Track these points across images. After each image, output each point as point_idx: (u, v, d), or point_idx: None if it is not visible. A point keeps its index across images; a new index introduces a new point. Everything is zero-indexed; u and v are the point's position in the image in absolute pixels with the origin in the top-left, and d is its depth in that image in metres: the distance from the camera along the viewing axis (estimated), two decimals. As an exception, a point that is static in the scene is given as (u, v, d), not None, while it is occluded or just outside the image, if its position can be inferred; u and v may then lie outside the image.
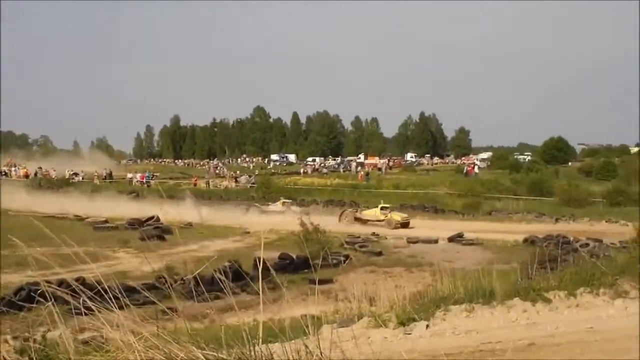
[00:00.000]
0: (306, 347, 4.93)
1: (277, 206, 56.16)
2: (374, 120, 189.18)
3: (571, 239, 35.32)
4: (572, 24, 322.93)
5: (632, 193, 62.71)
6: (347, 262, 30.46)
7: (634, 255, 13.37)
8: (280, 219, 44.97)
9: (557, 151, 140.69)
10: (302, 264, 28.16)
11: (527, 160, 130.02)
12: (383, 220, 48.18)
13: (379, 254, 35.56)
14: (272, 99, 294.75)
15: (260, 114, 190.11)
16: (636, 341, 9.10)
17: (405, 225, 47.09)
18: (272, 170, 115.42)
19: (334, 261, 28.05)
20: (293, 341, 5.37)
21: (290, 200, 59.41)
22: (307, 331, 5.45)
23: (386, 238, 41.98)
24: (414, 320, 10.29)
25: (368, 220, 48.75)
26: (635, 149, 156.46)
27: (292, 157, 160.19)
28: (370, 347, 8.46)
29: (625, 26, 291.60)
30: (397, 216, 48.82)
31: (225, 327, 4.75)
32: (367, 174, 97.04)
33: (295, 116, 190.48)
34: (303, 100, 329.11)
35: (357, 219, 49.57)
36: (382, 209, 50.05)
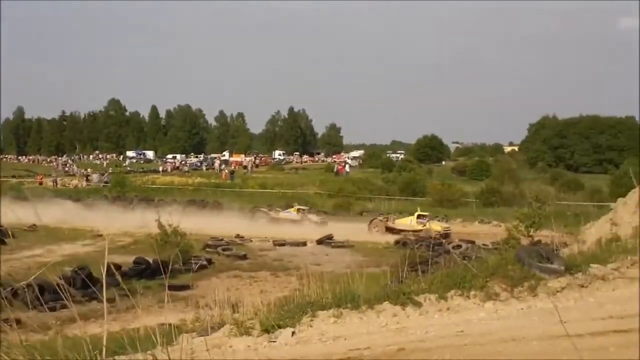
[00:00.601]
0: (155, 359, 4.96)
1: (291, 213, 54.13)
2: (240, 115, 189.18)
3: (443, 240, 36.81)
4: (449, 24, 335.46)
5: (505, 193, 65.97)
6: (209, 266, 30.47)
7: (505, 257, 14.16)
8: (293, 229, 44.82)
9: (430, 150, 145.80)
10: (159, 268, 27.86)
11: (400, 158, 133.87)
12: (420, 231, 45.32)
13: (244, 257, 35.84)
14: (128, 91, 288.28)
15: (116, 107, 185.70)
16: (506, 345, 9.74)
17: (446, 236, 43.88)
18: (128, 168, 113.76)
19: (195, 266, 27.97)
20: (141, 353, 5.39)
21: (307, 207, 57.52)
22: (156, 341, 5.48)
23: (251, 241, 42.23)
24: (279, 327, 10.51)
25: (402, 231, 46.78)
26: (509, 148, 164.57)
27: (150, 154, 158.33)
28: (231, 356, 8.59)
29: (498, 28, 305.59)
30: (437, 226, 47.08)
31: (65, 339, 4.72)
32: (232, 172, 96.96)
33: (154, 110, 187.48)
34: (163, 93, 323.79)
35: (388, 229, 47.90)
36: (418, 217, 48.26)
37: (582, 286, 13.37)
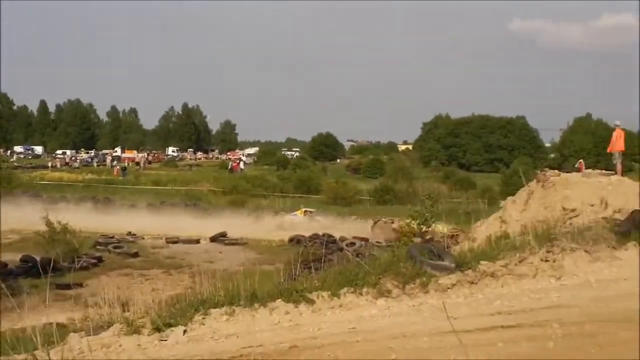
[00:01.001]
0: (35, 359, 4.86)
1: (297, 216, 51.99)
2: (133, 110, 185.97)
3: (337, 237, 37.19)
4: (343, 22, 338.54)
5: (399, 191, 67.19)
6: (99, 264, 29.90)
7: (397, 254, 14.44)
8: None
9: (325, 147, 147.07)
10: (47, 267, 27.16)
11: (295, 156, 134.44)
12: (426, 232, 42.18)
13: (135, 255, 35.33)
14: (16, 85, 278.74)
15: (2, 100, 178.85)
16: (397, 341, 9.94)
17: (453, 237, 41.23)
18: (15, 164, 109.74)
19: (85, 263, 27.36)
20: (23, 354, 5.27)
21: (314, 210, 55.24)
22: (36, 342, 5.37)
23: (143, 238, 41.60)
24: (171, 325, 10.42)
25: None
26: (403, 147, 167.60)
27: (38, 150, 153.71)
28: (120, 355, 8.47)
29: (395, 27, 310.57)
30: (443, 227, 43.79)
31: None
32: (124, 168, 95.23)
33: (43, 104, 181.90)
34: (53, 87, 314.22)
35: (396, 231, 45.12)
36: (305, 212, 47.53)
37: (472, 283, 13.77)
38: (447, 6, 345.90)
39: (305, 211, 53.45)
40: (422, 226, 18.35)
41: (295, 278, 13.81)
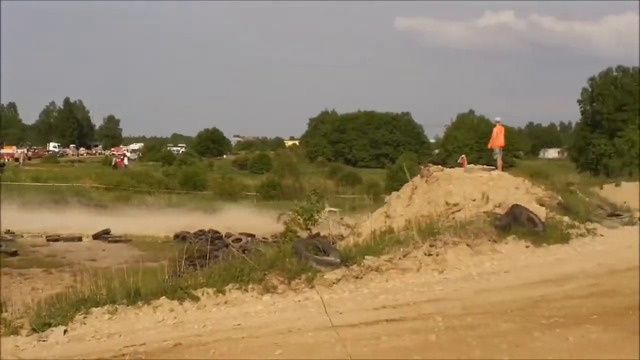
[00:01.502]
0: None
1: None
2: (12, 105, 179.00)
3: (223, 234, 37.01)
4: (230, 19, 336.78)
5: (286, 187, 67.44)
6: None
7: (283, 250, 14.49)
8: None
9: (212, 143, 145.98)
10: None
11: (180, 152, 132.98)
12: None
13: (14, 253, 34.01)
14: None
15: None
16: (283, 337, 9.98)
17: None
18: None
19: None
20: None
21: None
22: None
23: (22, 236, 40.34)
24: (50, 325, 10.15)
25: None
26: (290, 142, 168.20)
27: None
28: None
29: (282, 24, 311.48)
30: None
31: None
32: (2, 165, 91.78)
33: None
34: None
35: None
36: None
37: (357, 277, 13.95)
38: (334, 4, 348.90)
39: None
40: (308, 222, 18.47)
41: (180, 275, 13.65)
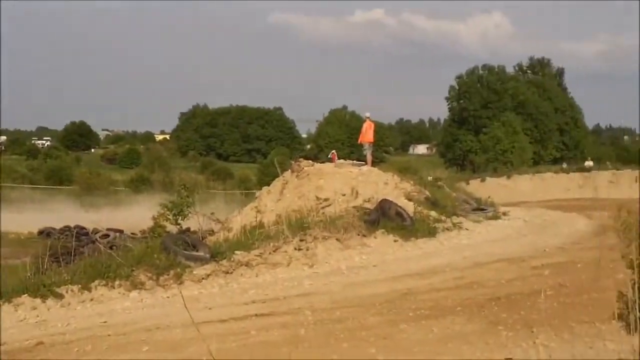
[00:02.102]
0: None
1: None
2: None
3: (90, 230, 36.09)
4: (98, 15, 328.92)
5: (156, 182, 66.43)
6: None
7: (151, 246, 14.30)
8: None
9: (79, 137, 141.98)
10: None
11: (46, 145, 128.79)
12: None
13: None
14: None
15: None
16: (150, 333, 9.84)
17: None
18: None
19: None
20: None
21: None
22: None
23: None
24: None
25: None
26: (161, 137, 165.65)
27: None
28: None
29: (152, 18, 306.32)
30: None
31: None
32: None
33: None
34: None
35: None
36: None
37: (227, 272, 13.93)
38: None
39: None
40: (177, 217, 18.26)
41: (43, 272, 13.23)
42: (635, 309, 4.01)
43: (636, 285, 4.47)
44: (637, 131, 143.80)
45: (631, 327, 4.14)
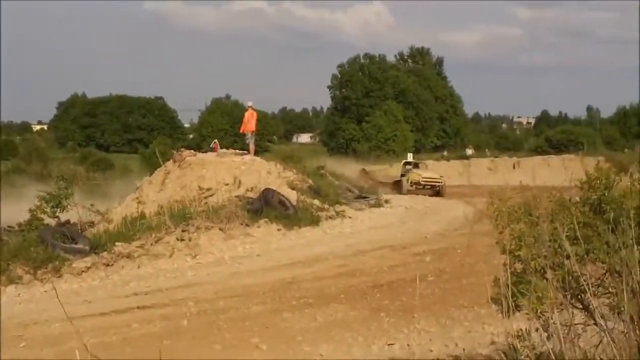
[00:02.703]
0: None
1: None
2: None
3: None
4: None
5: (33, 173, 64.39)
6: None
7: (28, 239, 13.89)
8: None
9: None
10: None
11: None
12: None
13: None
14: None
15: None
16: (28, 329, 9.56)
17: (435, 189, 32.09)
18: None
19: None
20: None
21: None
22: None
23: None
24: None
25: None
26: (38, 127, 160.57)
27: None
28: None
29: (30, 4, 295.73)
30: (417, 175, 32.77)
31: None
32: None
33: None
34: None
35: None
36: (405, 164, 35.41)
37: (108, 265, 13.66)
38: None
39: None
40: (55, 209, 17.72)
41: None
42: (508, 293, 4.15)
43: (509, 270, 4.62)
44: (514, 119, 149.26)
45: (504, 310, 4.29)
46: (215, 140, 25.11)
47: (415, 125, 74.74)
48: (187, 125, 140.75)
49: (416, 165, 34.69)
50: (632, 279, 3.85)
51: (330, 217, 19.16)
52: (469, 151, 50.36)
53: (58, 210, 17.97)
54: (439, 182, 31.68)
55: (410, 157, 37.31)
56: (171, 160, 21.25)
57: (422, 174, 32.27)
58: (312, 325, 9.85)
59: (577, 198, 5.36)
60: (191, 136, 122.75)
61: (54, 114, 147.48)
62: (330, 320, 10.14)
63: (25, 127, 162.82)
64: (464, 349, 7.86)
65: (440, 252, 15.22)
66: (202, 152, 22.78)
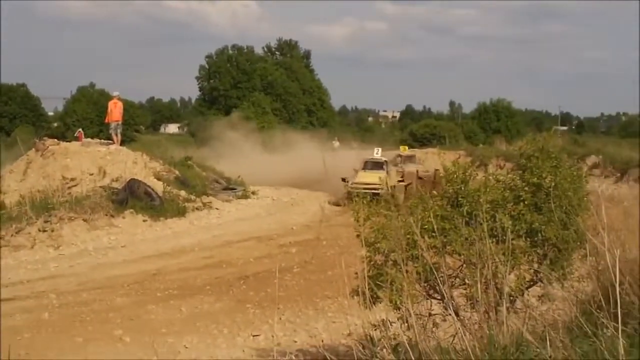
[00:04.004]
0: None
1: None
2: None
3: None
4: None
5: None
6: None
7: None
8: None
9: None
10: None
11: None
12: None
13: None
14: None
15: None
16: None
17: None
18: None
19: None
20: None
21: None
22: None
23: None
24: None
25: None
26: None
27: None
28: None
29: None
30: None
31: None
32: None
33: None
34: None
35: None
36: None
37: (-35, 257, 13.11)
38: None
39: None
40: None
41: None
42: (365, 285, 4.23)
43: (368, 263, 4.72)
44: (379, 112, 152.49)
45: (365, 302, 4.37)
46: (80, 129, 24.44)
47: (283, 117, 74.94)
48: (51, 113, 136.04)
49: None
50: (487, 270, 3.99)
51: (197, 209, 19.02)
52: (336, 144, 50.79)
53: None
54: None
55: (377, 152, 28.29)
56: (33, 149, 20.57)
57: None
58: (177, 317, 9.78)
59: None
60: (55, 125, 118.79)
61: None
62: (195, 311, 10.09)
63: None
64: (322, 340, 7.98)
65: (306, 243, 15.39)
66: (66, 142, 22.13)
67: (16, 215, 15.23)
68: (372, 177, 23.17)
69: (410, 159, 30.80)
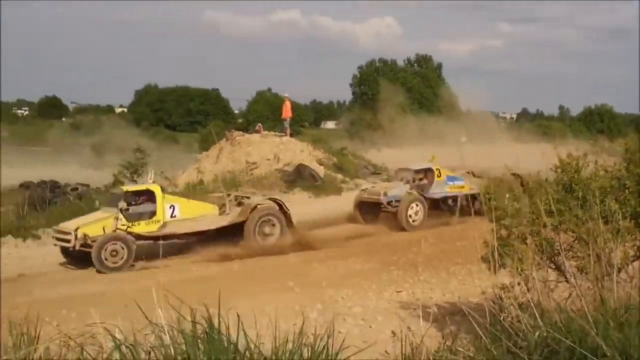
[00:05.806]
0: None
1: None
2: None
3: (62, 183, 34.82)
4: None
5: (114, 145, 64.81)
6: None
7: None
8: None
9: (52, 107, 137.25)
10: None
11: (25, 114, 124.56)
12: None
13: None
14: None
15: None
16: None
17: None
18: None
19: None
20: None
21: None
22: None
23: None
24: None
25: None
26: (119, 110, 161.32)
27: None
28: None
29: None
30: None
31: None
32: None
33: None
34: None
35: None
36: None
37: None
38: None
39: None
40: (133, 175, 17.89)
41: (23, 217, 12.91)
42: (495, 253, 4.17)
43: (496, 235, 4.65)
44: (499, 114, 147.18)
45: (492, 268, 4.31)
46: (259, 124, 25.11)
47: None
48: (236, 111, 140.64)
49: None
50: (597, 246, 3.85)
51: (350, 189, 19.16)
52: (463, 139, 49.48)
53: (135, 175, 18.11)
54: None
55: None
56: (224, 138, 21.35)
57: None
58: (335, 274, 9.93)
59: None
60: (240, 121, 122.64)
61: (132, 100, 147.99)
62: (349, 270, 10.20)
63: (110, 109, 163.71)
64: (459, 297, 7.88)
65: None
66: (249, 134, 22.80)
67: (211, 189, 15.85)
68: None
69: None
